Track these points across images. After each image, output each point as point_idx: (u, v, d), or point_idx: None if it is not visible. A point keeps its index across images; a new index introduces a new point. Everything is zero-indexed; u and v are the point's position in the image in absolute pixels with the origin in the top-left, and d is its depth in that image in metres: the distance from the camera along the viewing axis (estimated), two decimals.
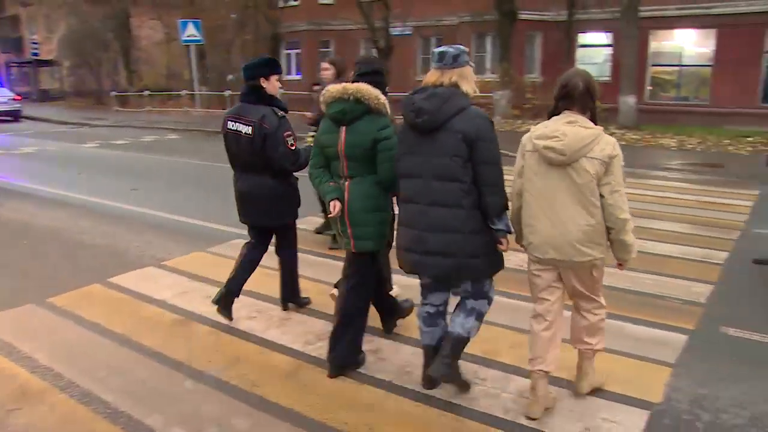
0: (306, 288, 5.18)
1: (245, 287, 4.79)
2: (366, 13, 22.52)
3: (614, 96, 16.51)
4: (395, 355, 4.16)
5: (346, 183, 3.76)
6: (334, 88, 3.69)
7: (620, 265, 3.41)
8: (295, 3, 29.54)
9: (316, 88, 6.61)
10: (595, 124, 3.22)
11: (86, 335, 4.57)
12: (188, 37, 23.36)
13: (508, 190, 3.38)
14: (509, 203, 3.42)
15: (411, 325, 4.56)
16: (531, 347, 3.45)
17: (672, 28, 20.93)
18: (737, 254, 6.26)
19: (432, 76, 3.36)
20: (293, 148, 4.42)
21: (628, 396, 3.61)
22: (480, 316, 3.58)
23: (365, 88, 3.65)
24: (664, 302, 5.01)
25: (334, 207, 3.72)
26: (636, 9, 16.46)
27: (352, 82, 3.76)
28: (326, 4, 28.90)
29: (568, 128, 3.15)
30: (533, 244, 3.34)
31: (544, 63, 23.31)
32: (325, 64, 6.11)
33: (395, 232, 3.72)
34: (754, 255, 6.04)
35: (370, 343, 4.31)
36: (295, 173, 4.60)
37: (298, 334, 4.50)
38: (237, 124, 4.44)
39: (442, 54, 3.35)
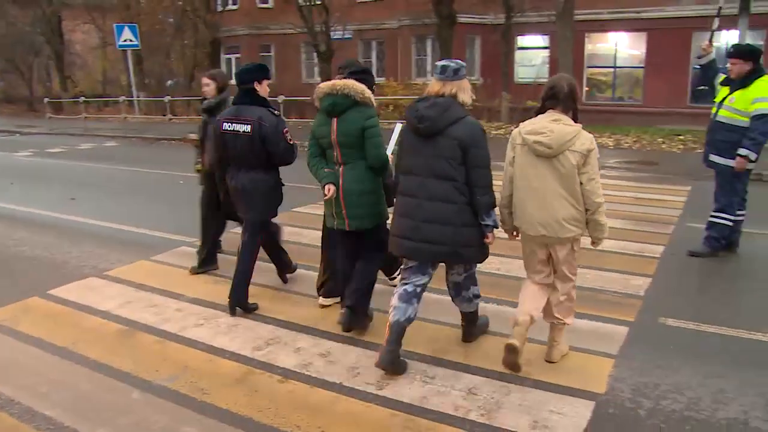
0: (254, 294, 5.14)
1: (193, 295, 4.73)
2: (306, 17, 22.44)
3: None
4: (344, 357, 4.17)
5: (341, 169, 4.26)
6: (324, 85, 4.21)
7: (594, 243, 3.91)
8: (234, 7, 29.22)
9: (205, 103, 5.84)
10: (576, 122, 3.70)
11: (26, 350, 4.42)
12: (124, 41, 22.83)
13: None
14: (501, 193, 3.94)
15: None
16: (521, 300, 3.96)
17: (605, 31, 21.61)
18: (672, 247, 6.50)
19: (434, 87, 3.78)
20: (291, 142, 4.85)
21: (574, 388, 3.71)
22: (478, 297, 4.21)
23: (351, 84, 4.15)
24: (604, 296, 5.16)
25: (329, 190, 4.20)
26: (571, 12, 16.88)
27: (345, 78, 4.28)
28: (265, 8, 28.70)
29: (554, 125, 3.65)
30: (525, 223, 3.82)
31: (484, 65, 23.71)
32: (205, 79, 5.77)
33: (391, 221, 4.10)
34: (688, 248, 6.29)
35: (318, 346, 4.33)
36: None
37: (246, 340, 4.46)
38: (234, 124, 4.76)
39: (444, 67, 3.77)
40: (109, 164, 14.00)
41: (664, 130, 17.30)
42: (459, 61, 3.81)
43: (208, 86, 5.67)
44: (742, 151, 5.71)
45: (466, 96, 3.77)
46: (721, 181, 6.07)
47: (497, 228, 3.85)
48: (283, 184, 5.03)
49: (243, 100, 4.82)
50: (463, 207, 3.72)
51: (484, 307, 4.50)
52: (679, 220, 7.67)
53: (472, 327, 4.32)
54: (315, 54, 23.43)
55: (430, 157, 3.72)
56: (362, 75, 4.39)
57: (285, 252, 5.60)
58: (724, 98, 5.90)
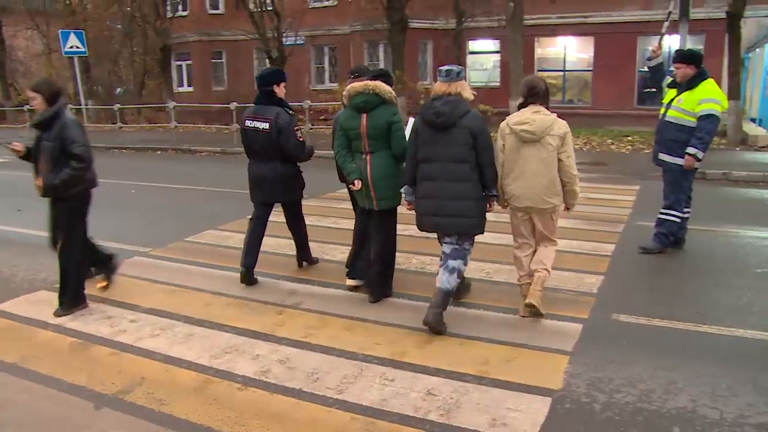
0: (210, 302, 5.08)
1: (148, 305, 4.66)
2: (257, 23, 22.28)
3: (505, 100, 17.12)
4: (303, 363, 4.16)
5: (368, 157, 4.97)
6: (357, 85, 4.90)
7: (567, 209, 4.80)
8: (184, 13, 28.76)
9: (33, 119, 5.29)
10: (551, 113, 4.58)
11: None
12: (71, 48, 22.22)
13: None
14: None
15: (319, 333, 4.60)
16: (517, 268, 4.90)
17: (555, 35, 22.03)
18: (623, 245, 6.67)
19: (441, 87, 4.52)
20: (301, 139, 5.56)
21: (531, 385, 3.78)
22: (459, 273, 4.65)
23: (381, 85, 4.90)
24: (559, 294, 5.26)
25: (358, 183, 4.94)
26: (520, 17, 17.13)
27: (370, 79, 5.00)
28: (216, 14, 28.35)
29: (536, 116, 4.56)
30: (514, 196, 4.67)
31: (436, 70, 23.75)
32: (29, 92, 5.05)
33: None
34: (639, 245, 6.48)
35: (277, 353, 4.31)
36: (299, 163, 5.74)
37: (203, 349, 4.41)
38: (255, 122, 5.48)
39: (448, 71, 4.54)
40: None
41: (612, 131, 17.77)
42: (459, 66, 4.68)
43: (35, 100, 5.00)
44: (690, 150, 5.93)
45: (468, 93, 4.53)
46: (670, 179, 6.27)
47: (498, 198, 4.70)
48: (302, 172, 5.82)
49: (262, 100, 5.53)
50: (476, 183, 4.50)
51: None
52: (629, 219, 7.89)
53: (439, 310, 4.48)
54: (267, 60, 23.25)
55: (448, 144, 4.44)
56: (385, 78, 5.20)
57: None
58: (672, 99, 6.12)
